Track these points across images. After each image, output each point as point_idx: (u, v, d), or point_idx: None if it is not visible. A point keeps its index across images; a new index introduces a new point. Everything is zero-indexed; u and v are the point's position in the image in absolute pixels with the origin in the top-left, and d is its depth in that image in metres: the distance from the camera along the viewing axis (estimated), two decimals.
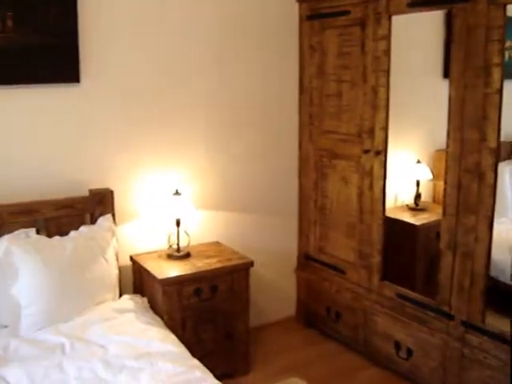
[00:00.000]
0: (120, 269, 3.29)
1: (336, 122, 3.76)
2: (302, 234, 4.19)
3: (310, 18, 3.85)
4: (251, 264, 3.47)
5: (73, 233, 3.15)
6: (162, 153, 3.60)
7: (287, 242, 4.21)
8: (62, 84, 3.27)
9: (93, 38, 3.29)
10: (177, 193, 3.44)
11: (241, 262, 3.46)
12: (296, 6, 3.92)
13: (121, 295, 3.24)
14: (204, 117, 3.74)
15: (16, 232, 3.03)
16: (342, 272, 3.82)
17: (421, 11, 3.19)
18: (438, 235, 3.22)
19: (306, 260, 4.17)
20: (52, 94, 3.26)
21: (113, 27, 3.35)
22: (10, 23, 3.05)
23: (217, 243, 3.78)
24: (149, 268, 3.31)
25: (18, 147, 3.21)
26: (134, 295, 3.29)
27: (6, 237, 2.98)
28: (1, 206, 3.07)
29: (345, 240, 3.80)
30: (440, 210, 3.21)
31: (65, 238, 3.10)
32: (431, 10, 3.22)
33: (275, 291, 4.21)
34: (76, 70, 3.26)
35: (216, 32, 3.68)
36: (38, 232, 3.10)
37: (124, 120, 3.46)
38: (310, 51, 3.90)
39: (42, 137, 3.27)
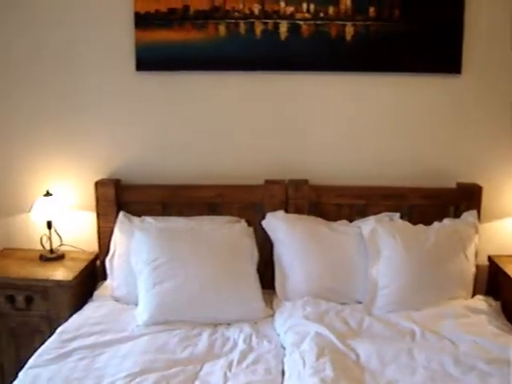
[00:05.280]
0: (476, 267, 3.18)
1: None
2: None
3: None
4: None
5: (436, 224, 3.14)
6: None
7: None
8: (440, 74, 3.25)
9: (478, 29, 3.19)
10: None
11: None
12: None
13: (474, 295, 3.13)
14: None
15: (381, 214, 3.15)
16: None
17: None
18: None
19: None
20: (426, 84, 3.27)
21: (498, 20, 3.20)
22: (397, 12, 3.14)
23: None
24: (509, 272, 3.13)
25: (390, 135, 3.32)
26: (487, 297, 3.15)
27: (373, 217, 3.12)
28: (369, 188, 3.23)
29: None
30: None
31: (428, 227, 3.11)
32: None
33: None
34: (458, 60, 3.20)
35: None
36: (401, 217, 3.17)
37: (491, 116, 3.32)
38: None
39: (412, 125, 3.32)
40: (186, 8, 3.19)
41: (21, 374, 2.44)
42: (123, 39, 3.26)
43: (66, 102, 3.39)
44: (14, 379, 2.41)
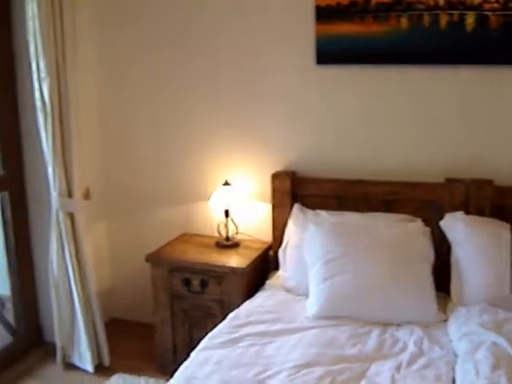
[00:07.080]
0: None
1: None
2: None
3: None
4: None
5: None
6: None
7: None
8: None
9: None
10: None
11: None
12: None
13: None
14: None
15: None
16: None
17: None
18: None
19: None
20: None
21: None
22: None
23: None
24: None
25: None
26: None
27: None
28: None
29: None
30: None
31: None
32: None
33: None
34: None
35: None
36: None
37: None
38: None
39: None
40: (368, 0, 3.14)
41: (192, 354, 2.55)
42: (304, 33, 3.28)
43: (246, 96, 3.50)
44: (186, 358, 2.52)
